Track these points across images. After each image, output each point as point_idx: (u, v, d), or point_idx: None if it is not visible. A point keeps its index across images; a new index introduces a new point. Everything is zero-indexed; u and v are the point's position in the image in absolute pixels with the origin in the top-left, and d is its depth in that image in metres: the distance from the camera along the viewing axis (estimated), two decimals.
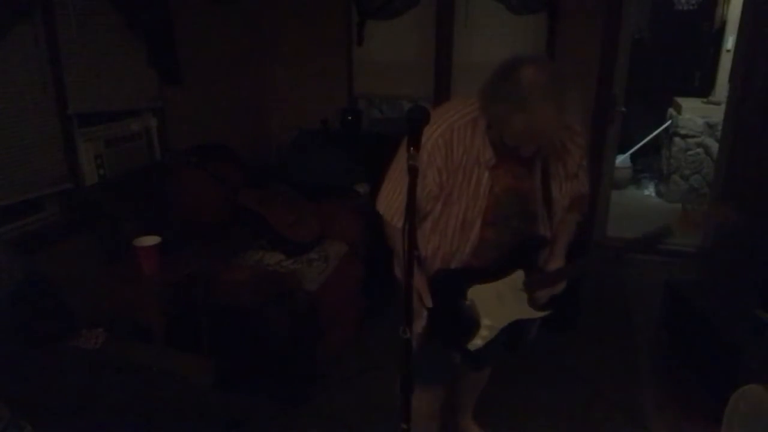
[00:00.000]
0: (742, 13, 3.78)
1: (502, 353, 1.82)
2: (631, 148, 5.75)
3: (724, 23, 5.28)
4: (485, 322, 1.63)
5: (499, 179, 1.57)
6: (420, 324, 1.63)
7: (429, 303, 1.58)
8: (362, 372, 2.76)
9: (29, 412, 1.56)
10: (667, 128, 5.58)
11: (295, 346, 2.49)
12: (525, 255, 1.68)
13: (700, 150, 5.25)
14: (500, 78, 1.42)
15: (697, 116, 5.22)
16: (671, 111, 5.56)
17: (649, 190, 5.76)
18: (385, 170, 1.66)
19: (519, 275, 1.66)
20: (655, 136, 5.71)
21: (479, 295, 1.63)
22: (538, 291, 1.68)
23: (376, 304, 3.20)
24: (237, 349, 2.49)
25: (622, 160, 5.53)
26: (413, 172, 1.18)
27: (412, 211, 1.21)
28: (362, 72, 4.12)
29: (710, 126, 5.15)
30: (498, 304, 1.65)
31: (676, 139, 5.32)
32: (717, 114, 4.90)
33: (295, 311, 2.49)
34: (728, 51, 5.03)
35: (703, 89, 5.56)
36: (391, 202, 1.64)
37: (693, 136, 5.25)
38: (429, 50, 3.88)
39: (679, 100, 5.44)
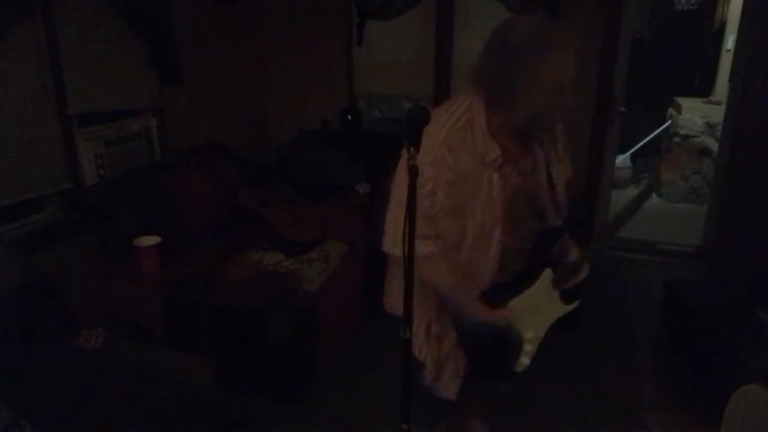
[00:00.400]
0: (742, 13, 3.78)
1: None
2: (631, 148, 5.75)
3: (724, 23, 5.28)
4: (528, 336, 1.56)
5: (507, 180, 1.50)
6: (451, 376, 1.57)
7: (503, 318, 1.51)
8: (362, 372, 2.76)
9: (29, 412, 1.56)
10: (667, 128, 5.58)
11: (295, 346, 2.49)
12: (546, 252, 1.61)
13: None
14: (500, 45, 1.35)
15: (697, 116, 5.22)
16: (671, 111, 5.56)
17: None
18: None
19: (547, 274, 1.58)
20: (655, 136, 5.71)
21: (514, 310, 1.55)
22: (568, 283, 1.61)
23: (376, 304, 3.20)
24: (237, 348, 2.49)
25: (622, 160, 5.53)
26: (413, 172, 1.17)
27: (413, 210, 1.21)
28: (362, 72, 4.12)
29: (710, 126, 5.15)
30: (535, 313, 1.57)
31: (676, 139, 5.32)
32: (717, 114, 4.90)
33: (295, 311, 2.49)
34: (728, 51, 5.04)
35: (703, 89, 5.56)
36: (399, 238, 1.51)
37: (693, 136, 5.25)
38: (429, 50, 3.89)
39: (679, 100, 5.44)
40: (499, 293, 1.55)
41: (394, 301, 1.67)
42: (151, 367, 1.87)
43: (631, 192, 5.71)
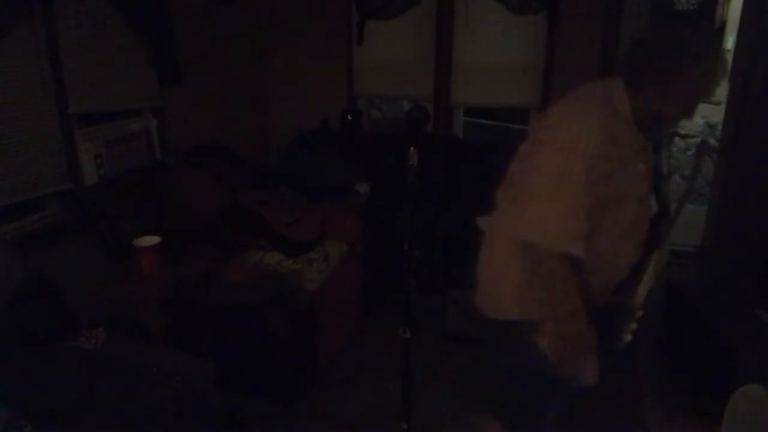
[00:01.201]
0: (742, 13, 3.78)
1: None
2: None
3: (724, 23, 5.28)
4: (638, 314, 1.60)
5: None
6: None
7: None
8: (362, 372, 2.76)
9: (29, 412, 1.56)
10: None
11: (294, 346, 2.50)
12: (661, 236, 1.65)
13: None
14: (672, 41, 1.37)
15: (697, 116, 5.21)
16: None
17: None
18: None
19: (654, 256, 1.61)
20: None
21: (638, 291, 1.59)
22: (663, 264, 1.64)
23: (376, 304, 3.21)
24: (237, 348, 2.49)
25: None
26: (412, 170, 1.17)
27: (414, 210, 1.21)
28: (362, 72, 4.12)
29: (710, 126, 5.15)
30: (641, 291, 1.61)
31: (676, 139, 5.32)
32: (717, 114, 4.89)
33: (295, 311, 2.49)
34: (728, 51, 5.03)
35: None
36: (553, 224, 1.33)
37: (693, 136, 5.25)
38: (429, 50, 3.88)
39: None
40: (630, 283, 1.55)
41: (506, 302, 1.50)
42: (151, 367, 1.87)
43: None
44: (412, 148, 1.17)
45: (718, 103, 5.03)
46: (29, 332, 1.89)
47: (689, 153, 5.27)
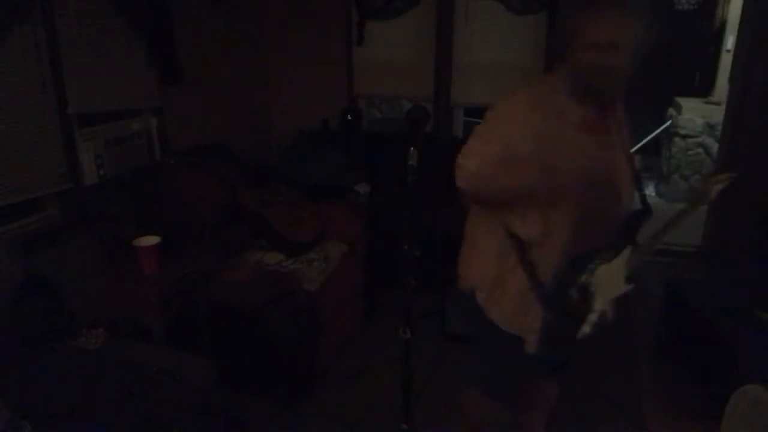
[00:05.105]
0: (742, 13, 3.78)
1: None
2: (631, 148, 5.75)
3: (724, 23, 5.28)
4: (597, 305, 1.58)
5: (587, 146, 1.55)
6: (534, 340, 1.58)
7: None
8: (362, 372, 2.76)
9: (29, 412, 1.56)
10: (667, 128, 5.58)
11: (295, 346, 2.50)
12: (633, 232, 1.66)
13: (700, 150, 5.25)
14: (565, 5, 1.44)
15: (697, 116, 5.22)
16: (671, 111, 5.56)
17: (649, 190, 5.76)
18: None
19: (627, 252, 1.62)
20: (655, 136, 5.71)
21: (597, 278, 1.58)
22: (635, 264, 1.65)
23: (376, 304, 3.21)
24: (237, 348, 2.49)
25: None
26: (412, 170, 1.18)
27: (414, 210, 1.21)
28: (362, 72, 4.12)
29: (710, 126, 5.15)
30: (609, 285, 1.60)
31: (676, 139, 5.32)
32: (717, 114, 4.90)
33: (295, 311, 2.49)
34: (728, 51, 5.03)
35: (703, 89, 5.56)
36: (469, 144, 1.52)
37: (693, 136, 5.25)
38: (429, 50, 3.89)
39: (679, 100, 5.44)
40: (586, 259, 1.57)
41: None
42: (151, 367, 1.87)
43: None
44: (412, 148, 1.18)
45: (719, 104, 5.04)
46: (29, 332, 1.89)
47: (689, 153, 5.26)
